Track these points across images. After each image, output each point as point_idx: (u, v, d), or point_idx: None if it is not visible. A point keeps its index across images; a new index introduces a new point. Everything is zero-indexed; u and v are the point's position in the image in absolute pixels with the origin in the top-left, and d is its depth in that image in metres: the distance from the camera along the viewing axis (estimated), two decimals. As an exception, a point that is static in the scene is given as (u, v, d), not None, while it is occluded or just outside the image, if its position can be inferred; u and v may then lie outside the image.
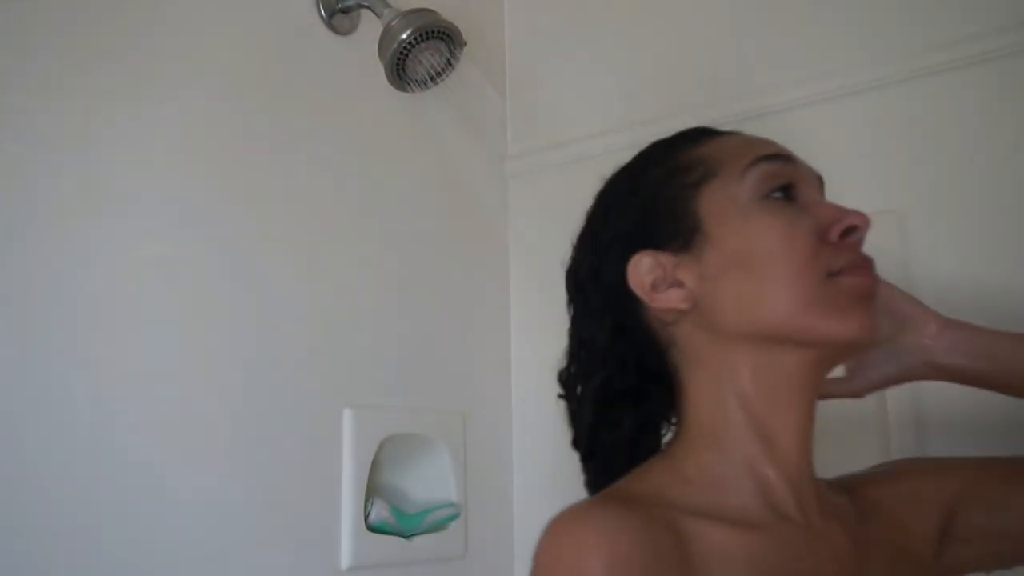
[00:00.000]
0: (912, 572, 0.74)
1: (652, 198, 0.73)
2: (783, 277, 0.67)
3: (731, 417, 0.69)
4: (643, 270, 0.70)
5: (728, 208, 0.69)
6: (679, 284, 0.70)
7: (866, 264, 0.70)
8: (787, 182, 0.71)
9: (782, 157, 0.73)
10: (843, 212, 0.70)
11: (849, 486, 0.76)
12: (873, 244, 1.12)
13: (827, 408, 0.80)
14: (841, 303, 0.66)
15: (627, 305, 0.72)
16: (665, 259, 0.70)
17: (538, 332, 1.41)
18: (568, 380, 0.77)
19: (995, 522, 0.76)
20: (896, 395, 1.07)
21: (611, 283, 0.72)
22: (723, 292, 0.68)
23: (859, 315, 0.67)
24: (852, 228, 0.69)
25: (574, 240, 0.78)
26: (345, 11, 1.26)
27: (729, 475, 0.69)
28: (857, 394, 0.79)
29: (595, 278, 0.74)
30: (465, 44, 1.24)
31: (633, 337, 0.73)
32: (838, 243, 0.68)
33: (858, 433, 1.06)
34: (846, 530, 0.71)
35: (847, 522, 0.72)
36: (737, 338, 0.69)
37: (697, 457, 0.70)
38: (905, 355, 0.77)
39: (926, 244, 1.10)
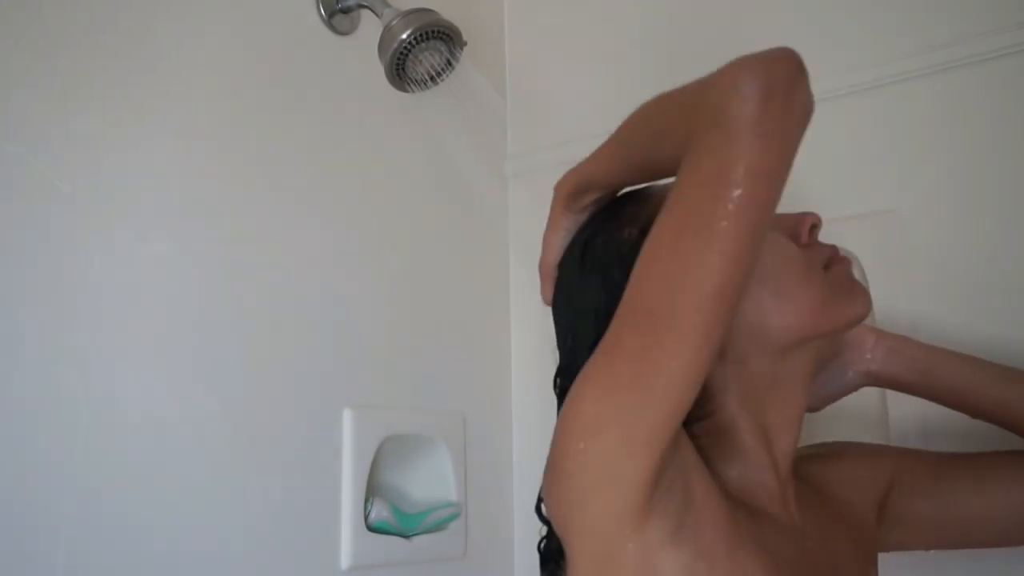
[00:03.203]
0: (865, 546, 0.82)
1: None
2: (799, 283, 0.72)
3: (746, 430, 0.73)
4: None
5: None
6: None
7: (837, 251, 0.77)
8: None
9: None
10: (800, 216, 0.77)
11: (796, 463, 0.80)
12: (873, 244, 1.12)
13: (830, 409, 0.83)
14: (846, 287, 0.73)
15: None
16: None
17: (538, 332, 1.41)
18: None
19: (920, 509, 0.84)
20: (897, 395, 1.07)
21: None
22: (749, 316, 0.72)
23: (860, 291, 0.74)
24: (815, 225, 0.77)
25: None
26: (345, 11, 1.26)
27: (737, 478, 0.73)
28: (816, 408, 0.87)
29: None
30: (465, 44, 1.24)
31: None
32: (810, 242, 0.76)
33: (860, 432, 1.06)
34: (813, 516, 0.77)
35: (812, 508, 0.78)
36: (771, 351, 0.73)
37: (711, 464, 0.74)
38: (848, 368, 0.86)
39: (926, 244, 1.10)
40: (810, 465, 0.84)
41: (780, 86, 0.58)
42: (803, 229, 0.76)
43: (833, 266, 0.75)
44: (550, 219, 0.82)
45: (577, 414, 0.62)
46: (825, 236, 1.14)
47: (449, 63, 1.25)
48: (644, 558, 0.61)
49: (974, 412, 0.86)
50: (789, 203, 1.07)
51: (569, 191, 0.79)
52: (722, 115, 0.58)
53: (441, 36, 1.21)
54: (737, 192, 0.58)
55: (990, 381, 0.84)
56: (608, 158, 0.74)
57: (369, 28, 1.27)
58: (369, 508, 1.17)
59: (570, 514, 0.64)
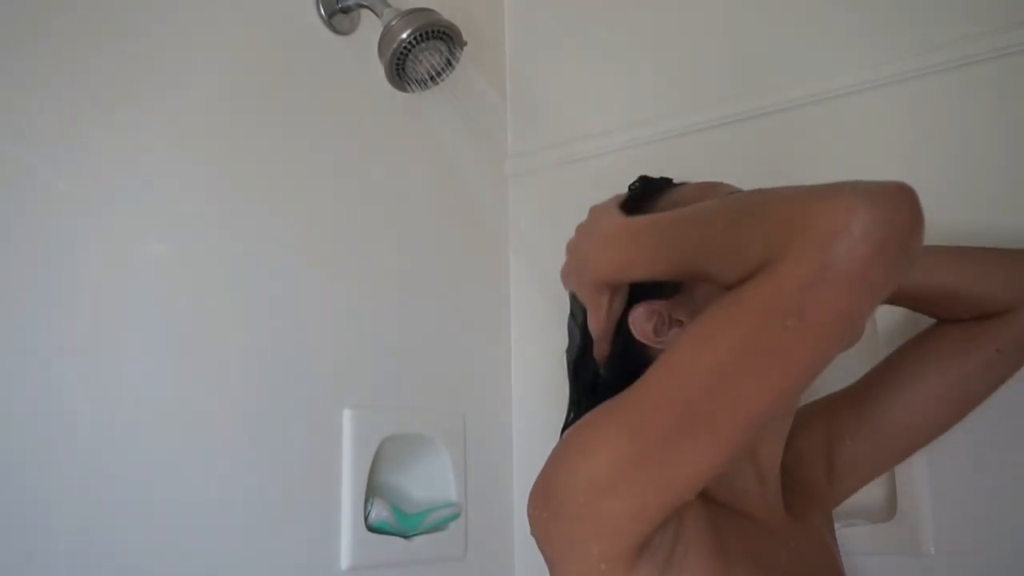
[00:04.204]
0: (826, 515, 0.85)
1: None
2: None
3: None
4: (641, 319, 0.75)
5: None
6: (679, 323, 0.75)
7: None
8: None
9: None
10: None
11: None
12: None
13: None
14: None
15: (633, 356, 0.77)
16: (659, 305, 0.75)
17: (538, 332, 1.41)
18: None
19: (861, 446, 0.87)
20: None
21: (618, 342, 0.77)
22: None
23: None
24: None
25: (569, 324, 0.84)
26: (345, 11, 1.26)
27: (720, 486, 0.73)
28: None
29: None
30: (465, 44, 1.24)
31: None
32: None
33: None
34: (791, 513, 0.78)
35: (790, 504, 0.79)
36: None
37: None
38: None
39: (927, 244, 1.10)
40: None
41: (898, 237, 0.54)
42: None
43: None
44: (592, 304, 0.77)
45: (588, 470, 0.63)
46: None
47: (449, 63, 1.25)
48: None
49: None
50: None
51: (604, 280, 0.75)
52: (826, 252, 0.53)
53: (441, 36, 1.21)
54: (823, 332, 0.56)
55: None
56: (650, 256, 0.69)
57: (369, 28, 1.27)
58: (369, 508, 1.17)
59: (561, 555, 0.66)
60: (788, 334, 0.55)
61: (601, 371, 0.79)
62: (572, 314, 0.84)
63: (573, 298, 0.83)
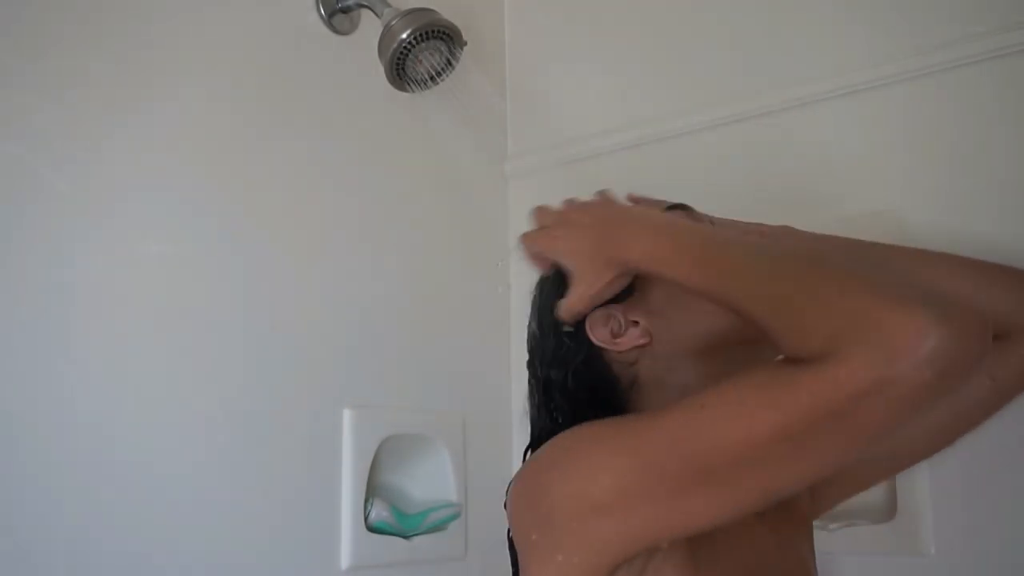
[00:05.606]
0: (803, 522, 0.84)
1: None
2: None
3: None
4: (599, 324, 0.76)
5: None
6: (634, 323, 0.76)
7: None
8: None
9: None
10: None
11: None
12: (873, 244, 1.12)
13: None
14: None
15: (593, 363, 0.77)
16: (613, 308, 0.76)
17: (538, 332, 1.41)
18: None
19: None
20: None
21: (577, 347, 0.77)
22: (677, 315, 0.75)
23: None
24: None
25: (531, 339, 0.82)
26: (345, 11, 1.26)
27: None
28: None
29: (561, 348, 0.78)
30: (465, 44, 1.24)
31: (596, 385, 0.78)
32: None
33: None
34: (764, 521, 0.77)
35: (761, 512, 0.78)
36: (695, 353, 0.75)
37: None
38: None
39: (926, 244, 1.10)
40: None
41: (960, 368, 0.54)
42: None
43: None
44: (589, 277, 0.74)
45: (588, 493, 0.63)
46: (825, 236, 1.14)
47: (449, 63, 1.25)
48: None
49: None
50: (792, 202, 1.07)
51: (624, 260, 0.71)
52: (890, 368, 0.53)
53: (441, 36, 1.21)
54: (860, 435, 0.57)
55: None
56: (690, 262, 0.67)
57: (369, 28, 1.27)
58: (369, 508, 1.17)
59: (539, 557, 0.66)
60: (828, 432, 0.57)
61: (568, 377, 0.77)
62: (539, 319, 0.81)
63: (544, 293, 0.80)
